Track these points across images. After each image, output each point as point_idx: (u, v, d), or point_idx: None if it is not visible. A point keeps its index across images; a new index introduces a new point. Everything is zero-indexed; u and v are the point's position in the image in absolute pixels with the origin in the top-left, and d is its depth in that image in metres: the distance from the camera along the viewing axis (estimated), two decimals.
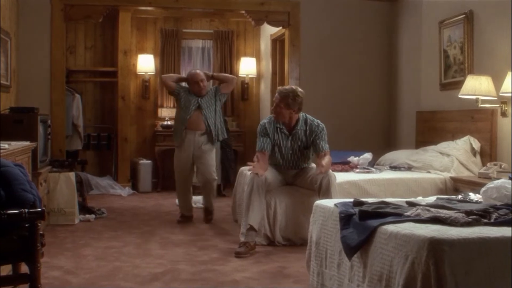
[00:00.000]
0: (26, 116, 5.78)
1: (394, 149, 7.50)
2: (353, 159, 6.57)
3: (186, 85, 6.69)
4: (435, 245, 2.72)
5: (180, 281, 4.31)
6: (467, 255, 2.76)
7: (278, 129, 5.53)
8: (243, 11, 8.15)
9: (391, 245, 2.98)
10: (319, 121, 5.55)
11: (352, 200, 3.80)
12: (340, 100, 8.13)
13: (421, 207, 3.39)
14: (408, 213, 3.28)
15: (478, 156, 6.19)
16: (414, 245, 2.81)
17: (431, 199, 4.03)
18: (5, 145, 4.40)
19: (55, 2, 7.47)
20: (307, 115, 5.58)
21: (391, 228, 3.06)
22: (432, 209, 3.32)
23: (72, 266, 4.63)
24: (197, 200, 7.80)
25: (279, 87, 5.66)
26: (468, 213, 3.21)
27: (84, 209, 6.83)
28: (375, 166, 6.68)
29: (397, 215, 3.29)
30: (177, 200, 6.88)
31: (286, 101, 5.41)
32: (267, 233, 5.45)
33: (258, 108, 10.35)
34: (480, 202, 3.82)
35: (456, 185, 5.82)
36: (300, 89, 5.49)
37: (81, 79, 9.69)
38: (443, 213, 3.21)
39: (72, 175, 6.53)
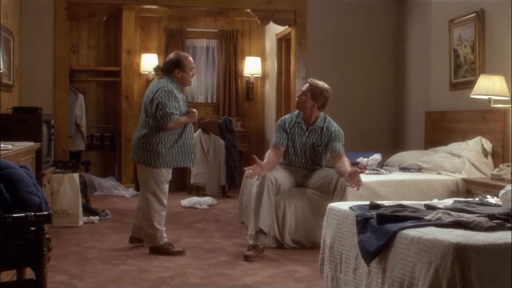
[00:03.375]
0: (29, 116, 5.69)
1: (402, 149, 7.37)
2: (362, 160, 6.44)
3: (170, 81, 5.18)
4: (461, 251, 2.61)
5: (189, 286, 4.20)
6: (494, 261, 2.65)
7: (297, 124, 5.48)
8: (249, 10, 8.03)
9: (413, 251, 2.87)
10: (338, 126, 5.49)
11: (367, 202, 3.69)
12: (347, 100, 8.00)
13: (441, 210, 3.27)
14: (429, 217, 3.16)
15: (489, 157, 6.07)
16: (438, 251, 2.70)
17: (448, 201, 3.91)
18: (8, 145, 4.30)
19: (58, 1, 7.36)
20: (328, 117, 5.54)
21: (412, 232, 2.94)
22: (453, 213, 3.20)
23: (78, 270, 4.52)
24: (203, 201, 7.74)
25: (311, 78, 5.58)
26: (490, 217, 3.09)
27: (88, 210, 6.72)
28: (384, 167, 6.55)
29: (417, 219, 3.17)
30: (160, 231, 5.22)
31: (314, 91, 5.39)
32: (276, 235, 5.34)
33: (263, 108, 10.25)
34: (499, 205, 3.70)
35: (469, 187, 5.70)
36: (329, 87, 5.48)
37: (84, 79, 9.60)
38: (465, 217, 3.10)
39: (76, 176, 6.42)
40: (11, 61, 6.57)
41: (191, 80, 5.36)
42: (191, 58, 5.34)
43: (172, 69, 5.19)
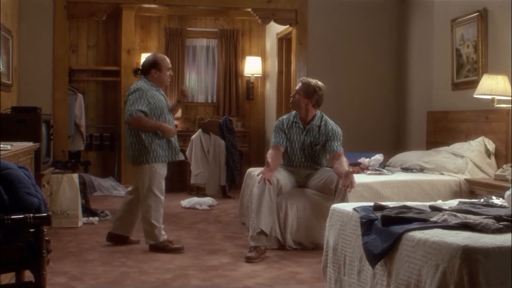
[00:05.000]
0: (28, 116, 5.63)
1: (403, 150, 7.33)
2: (364, 160, 6.40)
3: (145, 81, 5.24)
4: (469, 254, 2.56)
5: None
6: (502, 264, 2.60)
7: (294, 123, 5.44)
8: (250, 9, 7.97)
9: (419, 253, 2.82)
10: (335, 125, 5.47)
11: (371, 204, 3.64)
12: (348, 100, 7.95)
13: (447, 212, 3.22)
14: (435, 219, 3.11)
15: (492, 158, 6.01)
16: (445, 254, 2.65)
17: (453, 203, 3.86)
18: (7, 146, 4.25)
19: (57, 0, 7.30)
20: (325, 115, 5.51)
21: (418, 235, 2.90)
22: (459, 214, 3.15)
23: (78, 272, 4.46)
24: (203, 202, 7.69)
25: (303, 77, 5.57)
26: (497, 218, 3.04)
27: (88, 211, 6.67)
28: (386, 168, 6.50)
29: (422, 220, 3.13)
30: (158, 228, 5.24)
31: (307, 90, 5.37)
32: (278, 236, 5.29)
33: (264, 108, 10.20)
34: (505, 207, 3.65)
35: (472, 188, 5.64)
36: (323, 85, 5.47)
37: (83, 78, 9.54)
38: (472, 218, 3.05)
39: (75, 176, 6.37)
40: (10, 60, 6.51)
41: (168, 80, 5.42)
42: (168, 60, 5.44)
43: (148, 69, 5.30)
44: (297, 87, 5.47)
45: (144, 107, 5.09)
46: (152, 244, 5.20)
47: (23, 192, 3.19)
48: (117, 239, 5.44)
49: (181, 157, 5.42)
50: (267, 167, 5.10)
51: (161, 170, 5.26)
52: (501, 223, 2.98)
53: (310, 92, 5.36)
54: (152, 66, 5.28)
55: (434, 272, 2.69)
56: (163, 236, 5.22)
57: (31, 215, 2.98)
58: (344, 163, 5.15)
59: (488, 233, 2.86)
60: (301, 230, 5.31)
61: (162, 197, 5.27)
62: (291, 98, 5.52)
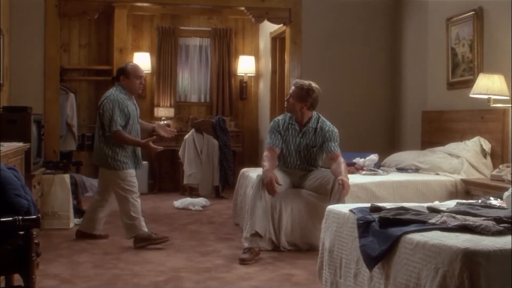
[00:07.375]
0: (19, 116, 5.55)
1: (398, 150, 7.27)
2: (358, 160, 6.34)
3: (120, 89, 5.40)
4: (469, 257, 2.50)
5: None
6: (503, 267, 2.54)
7: (290, 125, 5.37)
8: (243, 8, 7.90)
9: (418, 256, 2.76)
10: (332, 125, 5.38)
11: (367, 205, 3.58)
12: (343, 99, 7.88)
13: (446, 213, 3.16)
14: (433, 220, 3.05)
15: (488, 158, 5.97)
16: (445, 257, 2.59)
17: (451, 204, 3.80)
18: None
19: None
20: (322, 117, 5.42)
21: (417, 237, 2.83)
22: (458, 216, 3.09)
23: (69, 274, 4.39)
24: (196, 202, 7.62)
25: (296, 80, 5.49)
26: (497, 220, 2.99)
27: (79, 212, 6.57)
28: (381, 168, 6.44)
29: (421, 222, 3.07)
30: (138, 219, 5.33)
31: (300, 94, 5.27)
32: (272, 237, 5.22)
33: (257, 108, 10.13)
34: (503, 208, 3.59)
35: (468, 188, 5.59)
36: (317, 86, 5.35)
37: (75, 78, 9.44)
38: (471, 220, 2.99)
39: (66, 177, 6.29)
40: (0, 59, 6.42)
41: (139, 89, 5.55)
42: (140, 68, 5.60)
43: (118, 76, 5.49)
44: (290, 91, 5.38)
45: (122, 120, 5.27)
46: (135, 236, 5.28)
47: (12, 194, 3.12)
48: (85, 236, 5.62)
49: (140, 167, 5.62)
50: (267, 171, 5.01)
51: (129, 170, 5.40)
52: (501, 225, 2.93)
53: (303, 95, 5.27)
54: (120, 73, 5.47)
55: (434, 275, 2.63)
56: (144, 228, 5.31)
57: (20, 217, 2.91)
58: (342, 166, 5.07)
59: (488, 235, 2.80)
60: (295, 231, 5.25)
61: (136, 190, 5.38)
62: (286, 102, 5.45)
